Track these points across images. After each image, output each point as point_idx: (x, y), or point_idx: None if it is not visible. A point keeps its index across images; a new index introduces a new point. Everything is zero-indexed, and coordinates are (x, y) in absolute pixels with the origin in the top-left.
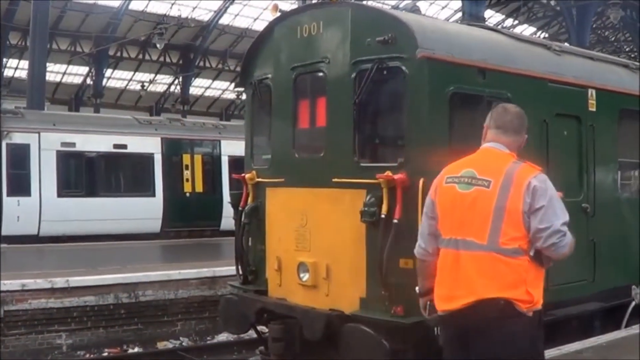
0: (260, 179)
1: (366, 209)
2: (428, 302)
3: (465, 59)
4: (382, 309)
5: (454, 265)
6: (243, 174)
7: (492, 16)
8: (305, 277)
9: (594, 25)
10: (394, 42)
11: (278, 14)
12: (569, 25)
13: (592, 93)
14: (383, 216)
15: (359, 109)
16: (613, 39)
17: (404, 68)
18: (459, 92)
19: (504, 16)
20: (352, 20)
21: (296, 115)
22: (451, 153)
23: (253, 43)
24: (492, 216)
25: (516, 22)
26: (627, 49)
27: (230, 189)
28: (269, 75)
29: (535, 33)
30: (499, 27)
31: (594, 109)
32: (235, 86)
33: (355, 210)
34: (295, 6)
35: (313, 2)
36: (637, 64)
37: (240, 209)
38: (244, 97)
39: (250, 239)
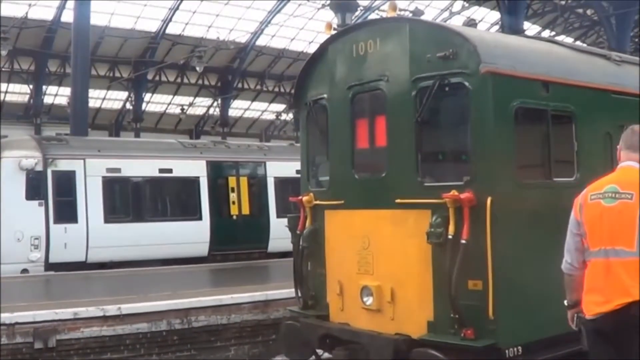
0: (318, 202)
1: (432, 229)
2: (576, 314)
3: (529, 72)
4: (452, 332)
5: (605, 273)
6: (300, 197)
7: (529, 28)
8: (369, 301)
9: (631, 34)
10: (456, 57)
11: (332, 32)
12: (608, 34)
13: None
14: (450, 237)
15: (421, 127)
16: None
17: (466, 84)
18: (523, 106)
19: (540, 28)
20: (410, 36)
21: (355, 135)
22: (518, 169)
23: (306, 63)
24: (638, 225)
25: (553, 33)
26: None
27: (277, 211)
28: (325, 95)
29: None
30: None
31: None
32: (289, 107)
33: (420, 232)
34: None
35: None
36: None
37: (298, 232)
38: (283, 117)
39: (309, 263)
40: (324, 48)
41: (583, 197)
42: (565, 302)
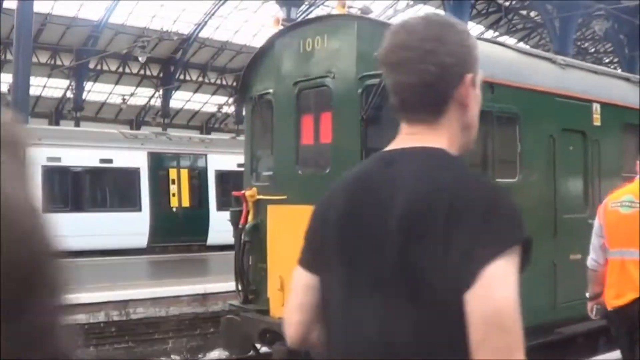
0: (261, 196)
1: None
2: (595, 306)
3: None
4: None
5: (620, 271)
6: (243, 191)
7: (473, 28)
8: None
9: (574, 37)
10: None
11: (280, 27)
12: (551, 37)
13: (596, 107)
14: None
15: (367, 124)
16: (593, 50)
17: None
18: None
19: (484, 28)
20: (358, 34)
21: (299, 131)
22: None
23: (253, 57)
24: None
25: (496, 33)
26: (607, 61)
27: (217, 204)
28: (270, 90)
29: (516, 45)
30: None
31: (599, 124)
32: (234, 101)
33: None
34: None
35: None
36: (638, 77)
37: (240, 226)
38: (225, 109)
39: (250, 257)
40: (271, 43)
41: (604, 205)
42: (587, 294)
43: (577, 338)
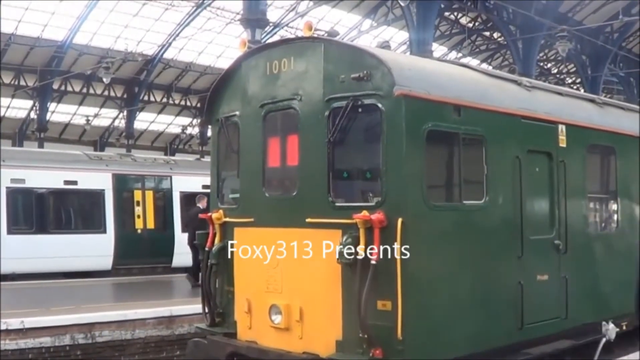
0: (228, 219)
1: (343, 249)
2: None
3: (441, 96)
4: (360, 352)
5: None
6: (210, 214)
7: (436, 49)
8: (278, 319)
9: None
10: (370, 78)
11: (246, 49)
12: (515, 58)
13: (562, 129)
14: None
15: (333, 147)
16: (556, 71)
17: (380, 105)
18: (435, 129)
19: (447, 49)
20: (324, 56)
21: (266, 153)
22: (428, 191)
23: (219, 79)
24: None
25: (460, 54)
26: (569, 81)
27: (182, 225)
28: (237, 112)
29: (479, 66)
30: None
31: (564, 145)
32: (199, 123)
33: (330, 251)
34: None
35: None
36: (603, 98)
37: (207, 249)
38: (189, 131)
39: (217, 280)
40: (237, 64)
41: None
42: None
43: (544, 359)
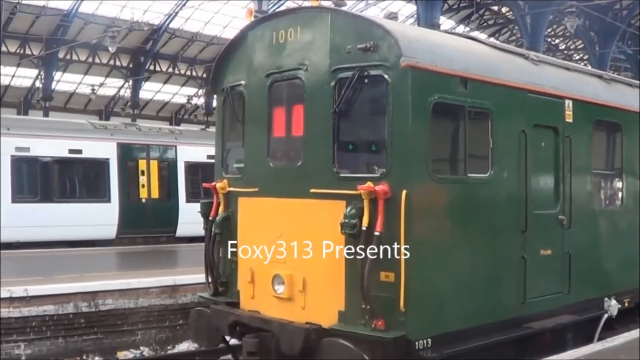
0: (232, 188)
1: (347, 220)
2: None
3: (448, 68)
4: (362, 322)
5: None
6: (213, 183)
7: (444, 23)
8: (281, 289)
9: (544, 33)
10: (376, 49)
11: (253, 18)
12: (522, 33)
13: (569, 104)
14: (364, 228)
15: (339, 117)
16: (564, 47)
17: (386, 77)
18: (442, 101)
19: (455, 23)
20: (331, 26)
21: (271, 123)
22: (434, 163)
23: (225, 49)
24: None
25: (467, 28)
26: (577, 58)
27: (186, 195)
28: (242, 82)
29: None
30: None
31: (571, 120)
32: (204, 93)
33: (334, 222)
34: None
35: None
36: (610, 74)
37: (210, 218)
38: (194, 101)
39: (221, 249)
40: (243, 34)
41: None
42: None
43: (545, 333)
